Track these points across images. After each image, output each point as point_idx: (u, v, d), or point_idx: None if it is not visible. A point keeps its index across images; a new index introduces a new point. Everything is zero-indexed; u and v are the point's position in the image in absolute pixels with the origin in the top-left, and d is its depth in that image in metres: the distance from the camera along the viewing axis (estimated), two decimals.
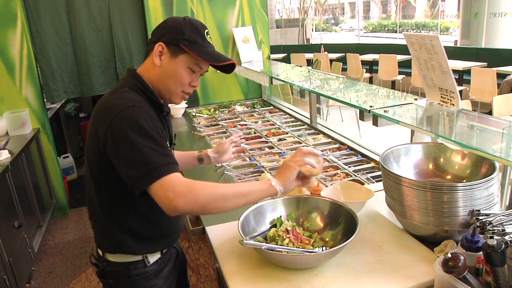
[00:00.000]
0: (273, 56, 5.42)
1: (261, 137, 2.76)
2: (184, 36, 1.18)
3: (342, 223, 1.36)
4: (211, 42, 1.24)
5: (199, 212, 1.29)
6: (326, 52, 8.94)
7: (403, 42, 2.85)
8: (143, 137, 1.07)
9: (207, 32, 1.24)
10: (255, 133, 2.88)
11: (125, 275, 1.28)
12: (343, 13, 26.77)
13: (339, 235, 1.34)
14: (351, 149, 2.42)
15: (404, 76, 7.31)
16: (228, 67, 1.25)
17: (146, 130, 1.08)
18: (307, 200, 1.47)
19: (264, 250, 1.23)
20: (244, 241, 1.22)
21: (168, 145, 1.27)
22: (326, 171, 2.15)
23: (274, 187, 1.16)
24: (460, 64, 6.38)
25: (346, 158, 2.31)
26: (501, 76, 5.65)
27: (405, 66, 7.49)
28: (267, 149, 2.53)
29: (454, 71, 4.71)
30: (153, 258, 1.31)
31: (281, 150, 2.47)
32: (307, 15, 16.04)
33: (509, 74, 5.62)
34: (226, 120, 3.28)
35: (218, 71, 1.30)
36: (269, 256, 1.24)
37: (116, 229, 1.25)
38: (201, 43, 1.21)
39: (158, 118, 1.21)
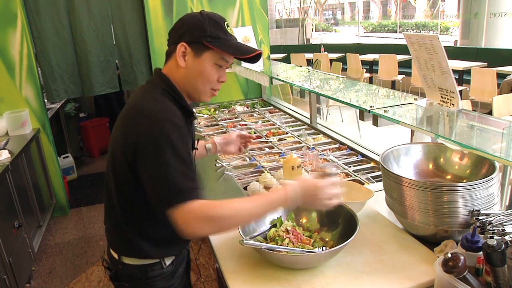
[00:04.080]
0: (273, 56, 5.43)
1: (261, 137, 2.76)
2: (206, 33, 1.15)
3: (342, 223, 1.36)
4: (232, 34, 1.21)
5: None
6: (326, 52, 8.94)
7: (403, 42, 2.85)
8: (175, 157, 1.05)
9: (227, 24, 1.21)
10: (255, 133, 2.88)
11: (143, 277, 1.27)
12: (343, 13, 26.77)
13: (339, 235, 1.34)
14: (351, 149, 2.42)
15: (404, 76, 7.31)
16: (254, 57, 1.22)
17: (178, 150, 1.06)
18: None
19: (264, 250, 1.23)
20: (244, 241, 1.22)
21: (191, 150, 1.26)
22: None
23: (289, 203, 1.15)
24: (460, 64, 6.38)
25: (346, 158, 2.31)
26: (501, 76, 5.65)
27: (405, 66, 7.49)
28: (267, 149, 2.53)
29: (454, 71, 4.71)
30: (169, 259, 1.30)
31: (281, 150, 2.47)
32: (307, 15, 16.03)
33: (509, 74, 5.62)
34: (226, 120, 3.28)
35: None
36: (269, 256, 1.24)
37: (137, 235, 1.23)
38: (224, 37, 1.18)
39: (186, 124, 1.19)
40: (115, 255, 1.29)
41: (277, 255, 1.23)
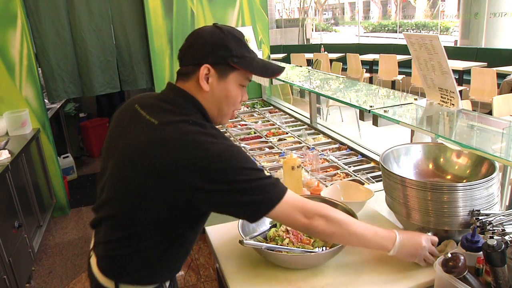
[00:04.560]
0: (273, 56, 5.42)
1: (261, 137, 2.76)
2: (231, 52, 1.05)
3: None
4: (251, 49, 1.13)
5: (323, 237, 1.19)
6: (326, 52, 8.94)
7: (403, 42, 2.85)
8: (251, 173, 1.00)
9: (246, 39, 1.13)
10: (255, 133, 2.88)
11: None
12: (343, 13, 26.78)
13: None
14: (351, 149, 2.42)
15: (404, 76, 7.31)
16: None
17: (248, 168, 1.00)
18: None
19: (264, 250, 1.23)
20: (244, 241, 1.22)
21: None
22: (326, 171, 2.15)
23: (391, 250, 1.14)
24: (460, 64, 6.38)
25: (346, 158, 2.31)
26: (501, 76, 5.65)
27: (405, 66, 7.49)
28: (267, 149, 2.53)
29: (454, 71, 4.71)
30: (167, 281, 1.22)
31: (281, 150, 2.47)
32: (307, 15, 16.04)
33: (509, 74, 5.62)
34: None
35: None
36: (269, 256, 1.24)
37: (158, 261, 1.13)
38: (248, 55, 1.09)
39: None
40: (110, 286, 1.14)
41: (277, 255, 1.23)
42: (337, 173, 2.10)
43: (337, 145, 2.53)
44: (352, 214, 1.33)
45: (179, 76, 1.12)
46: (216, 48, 1.05)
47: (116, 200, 1.10)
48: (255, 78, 3.22)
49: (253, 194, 0.99)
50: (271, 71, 1.13)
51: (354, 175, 2.06)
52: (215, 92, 1.08)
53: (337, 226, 1.08)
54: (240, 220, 1.33)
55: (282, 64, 3.17)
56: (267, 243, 1.29)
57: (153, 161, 0.98)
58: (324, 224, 1.06)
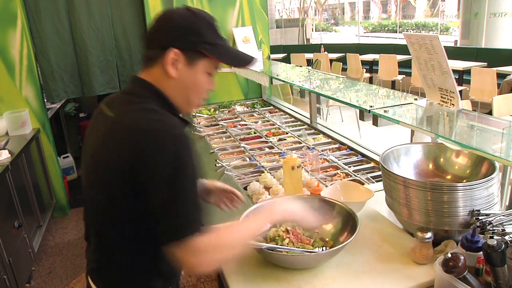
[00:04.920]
0: (273, 56, 5.42)
1: (261, 137, 2.76)
2: (203, 39, 1.00)
3: (342, 223, 1.36)
4: (222, 35, 1.07)
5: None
6: (326, 52, 8.94)
7: (403, 42, 2.85)
8: (189, 180, 0.93)
9: (216, 24, 1.05)
10: (255, 133, 2.88)
11: None
12: (343, 13, 26.78)
13: (339, 235, 1.34)
14: (351, 149, 2.42)
15: (404, 76, 7.31)
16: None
17: (192, 171, 0.93)
18: (307, 200, 1.47)
19: (264, 250, 1.23)
20: None
21: None
22: (326, 171, 2.15)
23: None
24: (460, 64, 6.38)
25: (346, 158, 2.31)
26: (501, 76, 5.65)
27: (405, 66, 7.49)
28: (267, 149, 2.53)
29: (454, 71, 4.71)
30: None
31: (281, 150, 2.47)
32: (307, 15, 16.04)
33: (509, 74, 5.62)
34: (226, 120, 3.28)
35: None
36: (269, 256, 1.24)
37: (145, 272, 1.07)
38: (221, 43, 1.03)
39: None
40: None
41: (277, 255, 1.23)
42: (337, 173, 2.10)
43: (337, 145, 2.53)
44: (352, 214, 1.33)
45: (145, 61, 1.06)
46: (187, 33, 0.99)
47: (90, 208, 1.06)
48: (255, 78, 3.18)
49: (183, 208, 0.91)
50: (242, 61, 1.09)
51: (354, 175, 2.06)
52: (182, 79, 1.02)
53: (224, 254, 1.01)
54: (241, 220, 1.33)
55: (280, 65, 3.14)
56: (267, 243, 1.29)
57: (108, 156, 0.95)
58: (214, 263, 0.98)
